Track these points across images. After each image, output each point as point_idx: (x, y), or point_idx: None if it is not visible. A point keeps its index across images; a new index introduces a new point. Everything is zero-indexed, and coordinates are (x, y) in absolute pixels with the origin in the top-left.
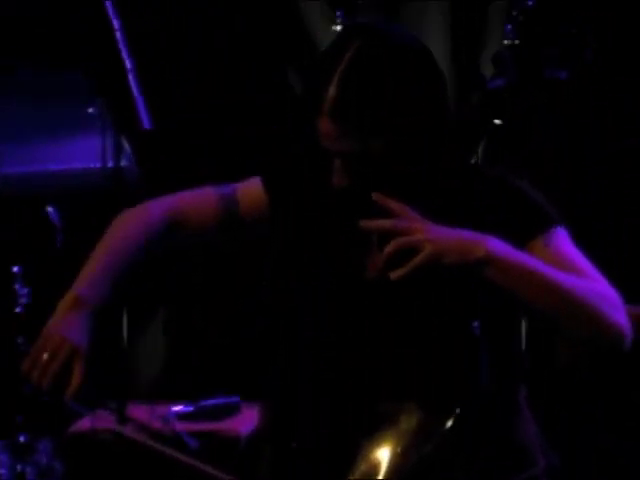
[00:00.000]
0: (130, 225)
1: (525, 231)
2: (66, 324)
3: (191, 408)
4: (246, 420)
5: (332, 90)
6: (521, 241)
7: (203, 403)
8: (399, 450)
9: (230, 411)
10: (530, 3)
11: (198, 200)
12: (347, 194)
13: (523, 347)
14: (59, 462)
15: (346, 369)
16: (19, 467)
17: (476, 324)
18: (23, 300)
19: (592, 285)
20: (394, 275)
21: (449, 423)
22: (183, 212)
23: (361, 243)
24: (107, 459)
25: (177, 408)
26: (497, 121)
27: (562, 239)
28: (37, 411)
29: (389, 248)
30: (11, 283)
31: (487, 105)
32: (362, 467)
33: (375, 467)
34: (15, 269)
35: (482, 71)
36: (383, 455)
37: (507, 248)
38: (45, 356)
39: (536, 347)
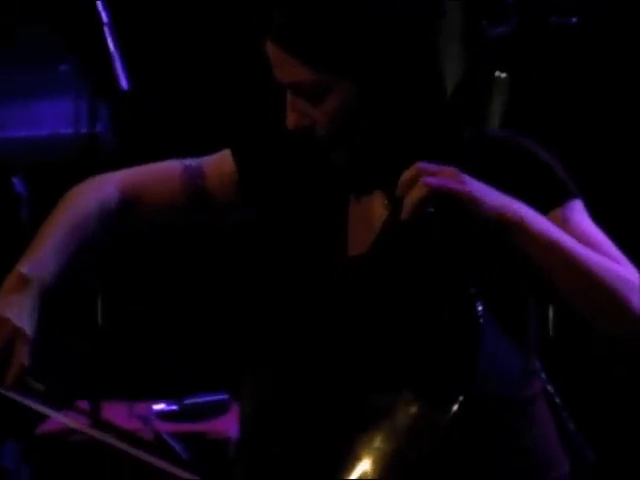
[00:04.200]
0: (82, 202)
1: (542, 203)
2: (8, 304)
3: (175, 407)
4: (236, 421)
5: (280, 11)
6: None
7: (188, 401)
8: (395, 447)
9: (218, 410)
10: None
11: (159, 174)
12: (299, 139)
13: (550, 335)
14: (26, 467)
15: (333, 357)
16: None
17: (480, 307)
18: None
19: (616, 267)
20: (410, 203)
21: (452, 411)
22: (141, 187)
23: (340, 215)
24: (80, 463)
25: (159, 407)
26: (501, 74)
27: (581, 213)
28: (2, 411)
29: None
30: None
31: (489, 55)
32: (354, 468)
33: (369, 467)
34: None
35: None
36: (377, 453)
37: (539, 217)
38: None
39: (565, 336)
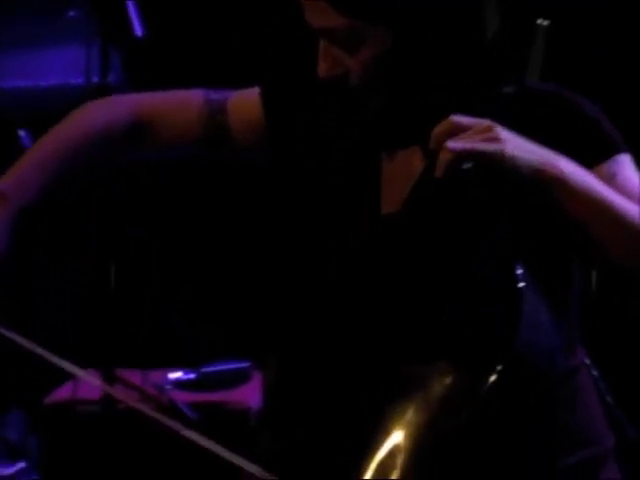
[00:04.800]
0: (86, 119)
1: (587, 157)
2: None
3: (192, 375)
4: (258, 390)
5: None
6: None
7: (206, 369)
8: (429, 419)
9: (239, 379)
10: None
11: (178, 102)
12: (331, 88)
13: (594, 300)
14: (33, 438)
15: (363, 323)
16: None
17: (519, 270)
18: None
19: None
20: (442, 162)
21: (490, 382)
22: (156, 113)
23: (372, 171)
24: (89, 434)
25: (175, 375)
26: (543, 21)
27: (630, 168)
28: (6, 378)
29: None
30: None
31: (530, 1)
32: (385, 441)
33: (401, 440)
34: None
35: None
36: (410, 426)
37: (581, 171)
38: None
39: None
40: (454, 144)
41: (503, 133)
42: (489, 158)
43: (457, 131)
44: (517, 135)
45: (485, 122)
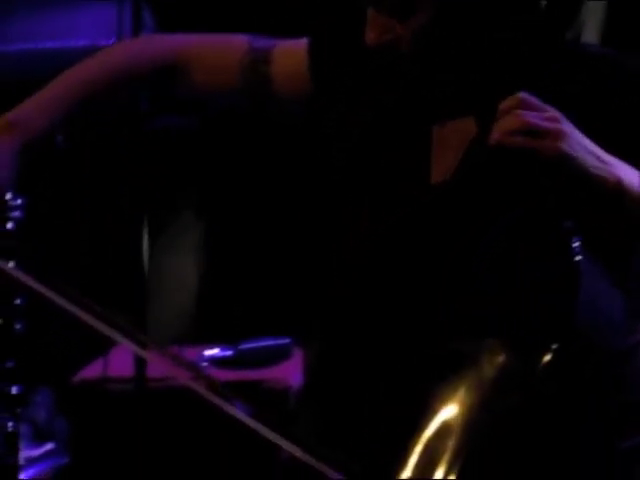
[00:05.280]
0: (120, 53)
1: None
2: None
3: (229, 352)
4: (298, 368)
5: None
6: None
7: (244, 346)
8: (480, 400)
9: (278, 356)
10: None
11: (220, 47)
12: (380, 55)
13: None
14: (61, 419)
15: (411, 296)
16: (10, 425)
17: (576, 243)
18: (15, 213)
19: None
20: (500, 130)
21: (544, 361)
22: (195, 55)
23: (423, 139)
24: (123, 414)
25: (211, 352)
26: None
27: None
28: (34, 354)
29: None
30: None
31: None
32: (432, 423)
33: (449, 423)
34: None
35: None
36: (459, 406)
37: (637, 176)
38: None
39: None
40: (529, 117)
41: (567, 128)
42: (546, 153)
43: (525, 109)
44: (579, 132)
45: (552, 111)
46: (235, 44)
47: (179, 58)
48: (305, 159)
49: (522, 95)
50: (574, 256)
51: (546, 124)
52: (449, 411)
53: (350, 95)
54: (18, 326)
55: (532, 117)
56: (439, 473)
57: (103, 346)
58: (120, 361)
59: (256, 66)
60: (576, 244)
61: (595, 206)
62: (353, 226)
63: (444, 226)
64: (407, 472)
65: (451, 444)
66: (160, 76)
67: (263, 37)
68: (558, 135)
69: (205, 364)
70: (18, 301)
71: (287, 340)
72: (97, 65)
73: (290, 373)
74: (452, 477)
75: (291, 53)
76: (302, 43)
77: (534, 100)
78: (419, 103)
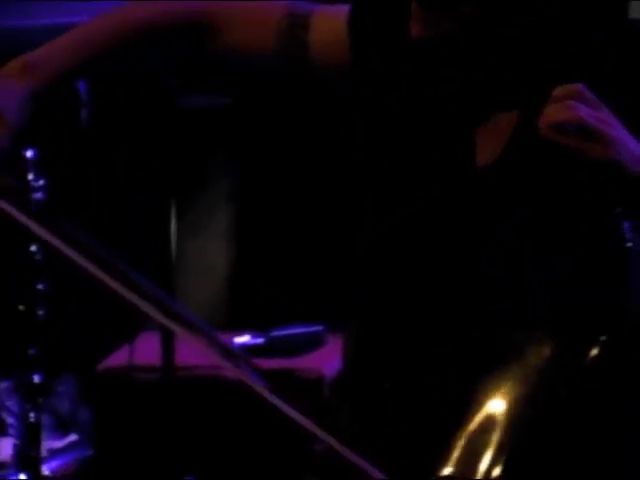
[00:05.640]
0: (150, 5)
1: None
2: None
3: (260, 340)
4: (332, 356)
5: None
6: None
7: (276, 333)
8: (526, 392)
9: (311, 344)
10: None
11: (258, 8)
12: (425, 48)
13: None
14: (85, 409)
15: (454, 283)
16: (32, 415)
17: (627, 228)
18: (38, 194)
19: None
20: (551, 118)
21: (592, 355)
22: (231, 18)
23: (469, 118)
24: (149, 405)
25: (242, 339)
26: None
27: None
28: (57, 341)
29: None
30: (23, 171)
31: None
32: (477, 415)
33: (494, 414)
34: (28, 153)
35: None
36: (504, 399)
37: None
38: None
39: None
40: (586, 113)
41: (618, 133)
42: (594, 157)
43: (580, 101)
44: (629, 137)
45: (607, 113)
46: (273, 7)
47: (212, 15)
48: (340, 136)
49: (580, 86)
50: (625, 242)
51: (600, 127)
52: (494, 404)
53: (390, 74)
54: (40, 312)
55: (586, 114)
56: (482, 468)
57: (129, 332)
58: (147, 348)
59: (294, 31)
60: (627, 229)
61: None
62: (387, 208)
63: (486, 210)
64: (449, 467)
65: (495, 438)
66: (189, 31)
67: (302, 2)
68: (609, 141)
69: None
70: (40, 286)
71: (320, 327)
72: (121, 16)
73: (324, 362)
74: (496, 473)
75: (331, 21)
76: (343, 11)
77: (591, 95)
78: (466, 94)
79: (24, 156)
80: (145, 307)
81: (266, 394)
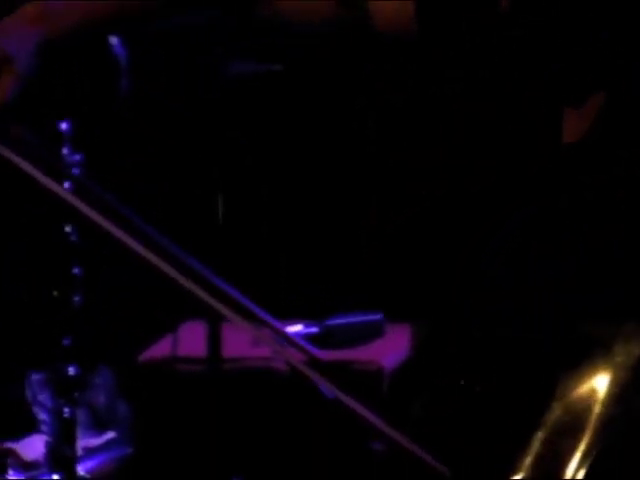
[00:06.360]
0: None
1: None
2: (7, 31)
3: (315, 329)
4: (391, 348)
5: None
6: None
7: (331, 322)
8: (613, 393)
9: (370, 334)
10: None
11: None
12: (513, 25)
13: None
14: (124, 403)
15: (538, 271)
16: (67, 411)
17: None
18: (73, 170)
19: None
20: None
21: None
22: None
23: (551, 98)
24: (194, 398)
25: (294, 329)
26: None
27: None
28: (93, 330)
29: None
30: (58, 145)
31: None
32: (557, 417)
33: (579, 414)
34: (63, 126)
35: None
36: (589, 397)
37: None
38: None
39: None
40: None
41: None
42: None
43: None
44: None
45: None
46: None
47: None
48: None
49: None
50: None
51: None
52: (577, 404)
53: (466, 48)
54: (76, 298)
55: None
56: (564, 474)
57: (173, 321)
58: (191, 338)
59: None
60: None
61: None
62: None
63: (572, 188)
64: (524, 470)
65: (580, 441)
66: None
67: None
68: None
69: (286, 342)
70: (76, 270)
71: (379, 316)
72: None
73: (383, 353)
74: (579, 478)
75: None
76: None
77: None
78: (549, 79)
79: (58, 129)
80: (193, 288)
81: (323, 387)
